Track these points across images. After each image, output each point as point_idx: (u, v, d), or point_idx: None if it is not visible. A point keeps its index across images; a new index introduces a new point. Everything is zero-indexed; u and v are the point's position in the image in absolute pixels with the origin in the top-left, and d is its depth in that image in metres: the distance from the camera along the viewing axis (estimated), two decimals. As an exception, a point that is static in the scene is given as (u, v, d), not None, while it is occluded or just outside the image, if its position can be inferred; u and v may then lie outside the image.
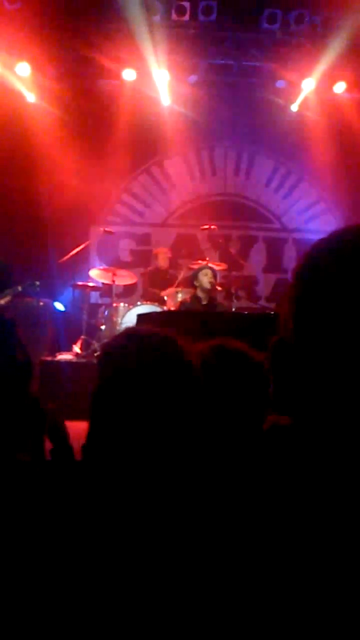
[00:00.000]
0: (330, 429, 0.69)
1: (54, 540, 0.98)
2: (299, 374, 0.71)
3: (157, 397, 1.06)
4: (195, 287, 6.69)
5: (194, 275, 6.71)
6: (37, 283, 6.73)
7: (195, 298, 6.62)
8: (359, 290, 0.65)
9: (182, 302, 6.72)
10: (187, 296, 6.79)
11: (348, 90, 8.32)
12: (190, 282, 6.90)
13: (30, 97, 8.34)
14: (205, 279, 6.54)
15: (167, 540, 0.84)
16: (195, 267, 7.11)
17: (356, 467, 0.66)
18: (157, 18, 7.60)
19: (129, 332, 1.21)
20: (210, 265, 6.87)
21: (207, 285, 6.51)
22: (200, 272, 6.62)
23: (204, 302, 6.58)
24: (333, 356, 0.66)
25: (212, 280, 6.57)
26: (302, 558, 0.67)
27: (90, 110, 8.45)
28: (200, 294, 6.61)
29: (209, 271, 6.63)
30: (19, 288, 6.65)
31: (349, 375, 0.65)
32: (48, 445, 1.94)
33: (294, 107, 8.64)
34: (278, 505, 0.71)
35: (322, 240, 0.75)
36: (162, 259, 7.78)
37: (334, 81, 8.21)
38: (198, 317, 5.53)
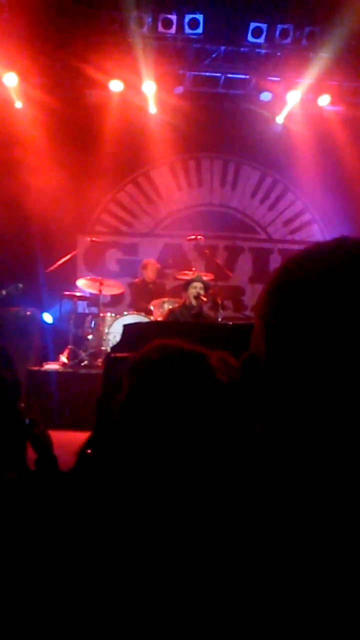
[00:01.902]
0: (297, 445, 0.70)
1: (47, 554, 0.97)
2: (268, 391, 0.71)
3: (186, 414, 1.07)
4: (185, 298, 6.72)
5: (185, 286, 6.74)
6: (20, 285, 6.71)
7: (184, 308, 6.64)
8: (329, 311, 0.66)
9: (170, 311, 6.73)
10: (176, 305, 6.81)
11: (332, 102, 8.44)
12: (180, 292, 6.94)
13: (17, 106, 8.35)
14: (192, 291, 6.55)
15: (172, 555, 0.83)
16: (183, 277, 7.14)
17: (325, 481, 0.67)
18: (144, 30, 7.67)
19: (158, 346, 1.21)
20: (202, 277, 6.90)
21: (193, 299, 6.53)
22: (190, 284, 6.64)
23: (193, 312, 6.60)
24: (304, 376, 0.67)
25: (200, 292, 6.59)
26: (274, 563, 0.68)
27: (77, 120, 8.48)
28: (189, 304, 6.63)
29: (198, 283, 6.64)
30: (3, 292, 6.63)
31: (318, 396, 0.66)
32: (31, 454, 1.94)
33: (280, 119, 8.75)
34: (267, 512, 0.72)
35: (292, 258, 0.74)
36: (151, 270, 7.77)
37: (318, 94, 8.33)
38: (183, 328, 5.55)
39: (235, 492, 0.80)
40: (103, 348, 6.99)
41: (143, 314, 7.07)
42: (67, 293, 7.55)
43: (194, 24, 7.68)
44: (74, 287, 7.59)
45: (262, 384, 0.72)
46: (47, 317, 7.78)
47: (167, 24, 7.66)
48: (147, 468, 1.05)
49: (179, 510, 0.92)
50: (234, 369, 1.28)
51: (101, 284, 7.34)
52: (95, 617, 0.84)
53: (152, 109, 8.54)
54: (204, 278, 7.02)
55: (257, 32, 7.70)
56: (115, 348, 5.59)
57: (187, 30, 7.74)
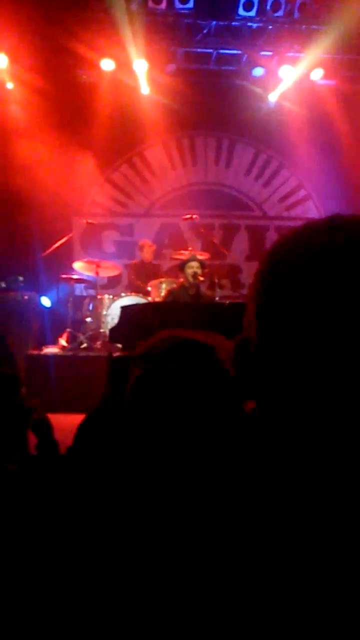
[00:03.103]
0: (291, 427, 0.69)
1: (48, 543, 0.98)
2: (262, 375, 0.71)
3: (192, 404, 1.09)
4: (182, 278, 6.71)
5: (181, 266, 6.72)
6: (21, 278, 6.71)
7: (182, 288, 6.64)
8: (320, 291, 0.65)
9: (169, 292, 6.73)
10: (174, 286, 6.80)
11: (325, 77, 8.34)
12: (177, 272, 6.92)
13: (9, 87, 8.26)
14: (189, 271, 6.54)
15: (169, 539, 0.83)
16: (179, 257, 7.13)
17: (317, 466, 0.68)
18: (133, 7, 7.55)
19: (167, 337, 1.22)
20: (197, 256, 6.88)
21: (190, 278, 6.52)
22: (187, 264, 6.64)
23: (191, 293, 6.59)
24: (296, 357, 0.66)
25: (197, 271, 6.57)
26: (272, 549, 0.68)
27: (69, 101, 8.38)
28: (187, 284, 6.62)
29: (194, 263, 6.62)
30: (2, 284, 6.62)
31: (312, 378, 0.65)
32: (33, 439, 1.97)
33: (273, 95, 8.65)
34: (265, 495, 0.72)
35: (284, 238, 0.73)
36: (147, 251, 7.77)
37: (311, 68, 8.22)
38: (180, 309, 5.56)
39: (236, 482, 0.80)
40: (102, 330, 7.01)
41: (141, 295, 7.08)
42: (64, 276, 7.54)
43: (184, -2, 7.56)
44: (71, 270, 7.58)
45: (254, 367, 0.72)
46: (45, 301, 7.78)
47: (157, -1, 7.54)
48: (152, 456, 1.07)
49: (181, 500, 0.92)
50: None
51: (98, 266, 7.32)
52: (97, 610, 0.84)
53: (144, 87, 8.45)
54: (200, 257, 7.01)
55: (248, 5, 7.59)
56: (113, 330, 5.62)
57: (178, 5, 7.64)
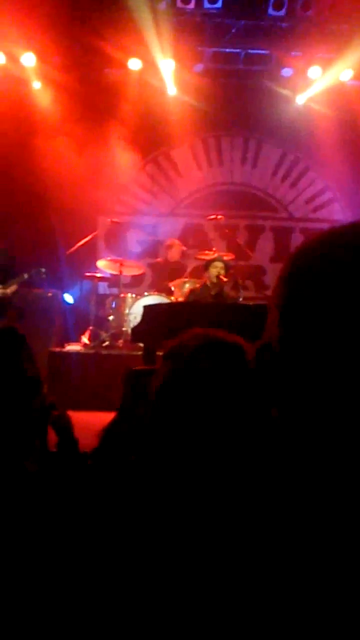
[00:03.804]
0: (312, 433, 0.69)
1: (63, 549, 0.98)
2: (283, 381, 0.70)
3: (219, 401, 1.09)
4: (206, 278, 6.71)
5: (205, 266, 6.72)
6: (43, 270, 6.76)
7: (204, 288, 6.64)
8: (346, 299, 0.64)
9: (191, 291, 6.73)
10: (197, 286, 6.80)
11: (355, 77, 8.24)
12: (201, 272, 6.92)
13: (36, 86, 8.33)
14: (213, 271, 6.54)
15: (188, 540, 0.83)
16: (203, 257, 7.12)
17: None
18: (162, 6, 7.56)
19: (198, 334, 1.21)
20: (223, 258, 6.87)
21: (213, 279, 6.52)
22: (211, 264, 6.63)
23: (213, 293, 6.59)
24: (318, 365, 0.66)
25: (221, 272, 6.56)
26: (298, 554, 0.68)
27: (96, 100, 8.42)
28: (210, 284, 6.62)
29: (219, 263, 6.62)
30: (25, 276, 6.69)
31: (334, 386, 0.65)
32: (52, 437, 1.97)
33: (301, 96, 8.58)
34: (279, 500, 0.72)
35: (308, 242, 0.72)
36: (175, 251, 7.69)
37: (340, 69, 8.14)
38: (203, 309, 5.54)
39: (253, 483, 0.80)
40: (124, 329, 7.02)
41: (164, 294, 7.07)
42: (87, 274, 7.58)
43: (213, -3, 7.55)
44: (95, 268, 7.62)
45: (276, 371, 0.71)
46: (68, 297, 7.83)
47: (186, -2, 7.54)
48: (180, 457, 1.07)
49: (201, 502, 0.92)
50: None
51: (122, 264, 7.34)
52: (110, 608, 0.84)
53: (171, 87, 8.44)
54: (225, 258, 6.99)
55: (278, 5, 7.53)
56: (135, 329, 5.62)
57: (206, 4, 7.62)
